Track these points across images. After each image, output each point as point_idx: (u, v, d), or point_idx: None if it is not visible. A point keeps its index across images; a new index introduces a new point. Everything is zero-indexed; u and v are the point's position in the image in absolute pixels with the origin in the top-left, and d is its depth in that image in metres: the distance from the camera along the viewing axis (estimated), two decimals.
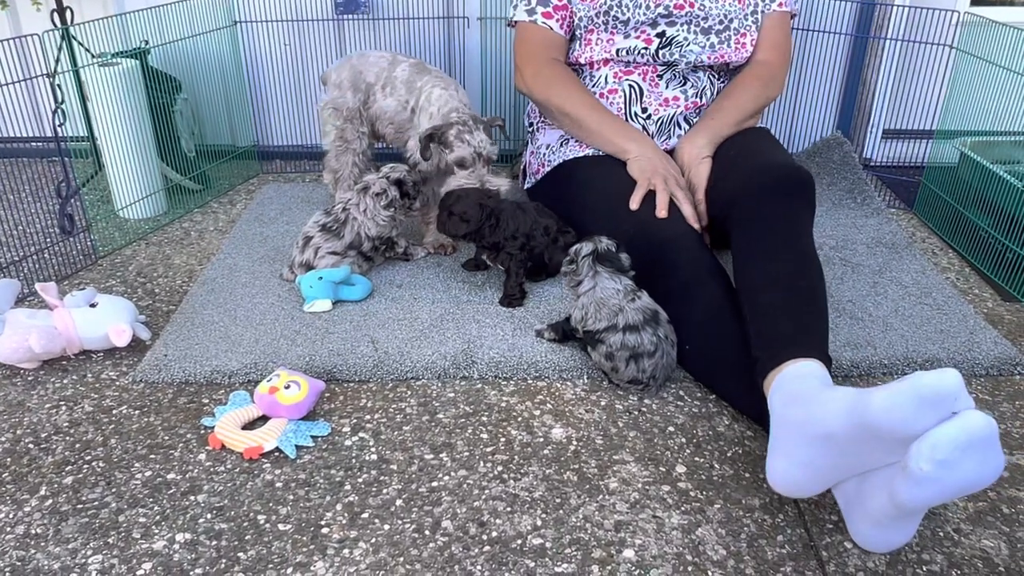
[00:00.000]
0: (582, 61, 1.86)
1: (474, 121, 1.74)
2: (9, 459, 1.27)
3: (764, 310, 1.30)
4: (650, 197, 1.64)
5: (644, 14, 1.77)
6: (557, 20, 1.84)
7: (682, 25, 1.78)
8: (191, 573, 1.06)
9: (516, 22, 1.87)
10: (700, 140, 1.75)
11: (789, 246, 1.39)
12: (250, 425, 1.34)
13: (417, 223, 1.99)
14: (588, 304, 1.43)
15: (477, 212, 1.64)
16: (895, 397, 0.96)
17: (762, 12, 1.84)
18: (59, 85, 1.95)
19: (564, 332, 1.53)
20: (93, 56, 2.05)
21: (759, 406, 1.29)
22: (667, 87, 1.82)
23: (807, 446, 1.07)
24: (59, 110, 1.94)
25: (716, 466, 1.27)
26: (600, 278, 1.43)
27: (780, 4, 1.86)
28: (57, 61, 2.01)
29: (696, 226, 1.62)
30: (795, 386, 1.15)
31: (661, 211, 1.59)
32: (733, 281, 1.44)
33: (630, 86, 1.83)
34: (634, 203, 1.61)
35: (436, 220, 1.72)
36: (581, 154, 1.83)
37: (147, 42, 2.15)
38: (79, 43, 2.05)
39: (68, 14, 2.16)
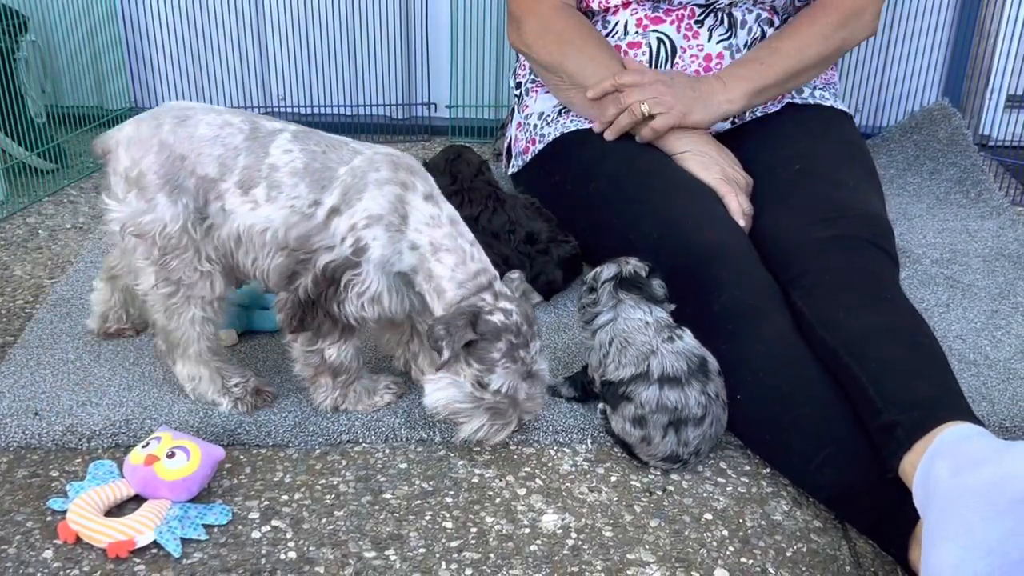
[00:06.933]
0: (594, 7, 1.87)
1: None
2: None
3: (884, 365, 1.34)
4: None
5: None
6: None
7: None
8: None
9: None
10: (735, 92, 1.78)
11: (886, 299, 1.47)
12: (118, 509, 1.33)
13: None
14: (606, 341, 1.44)
15: (441, 171, 1.78)
16: None
17: None
18: None
19: (585, 387, 1.54)
20: None
21: (842, 485, 1.32)
22: (710, 38, 1.83)
23: (998, 518, 1.06)
24: None
25: (771, 570, 1.27)
26: (623, 307, 1.44)
27: None
28: None
29: (746, 224, 1.65)
30: (971, 445, 1.16)
31: (740, 218, 1.66)
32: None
33: (659, 39, 1.84)
34: (738, 217, 1.67)
35: None
36: (586, 125, 1.84)
37: None
38: None
39: None
